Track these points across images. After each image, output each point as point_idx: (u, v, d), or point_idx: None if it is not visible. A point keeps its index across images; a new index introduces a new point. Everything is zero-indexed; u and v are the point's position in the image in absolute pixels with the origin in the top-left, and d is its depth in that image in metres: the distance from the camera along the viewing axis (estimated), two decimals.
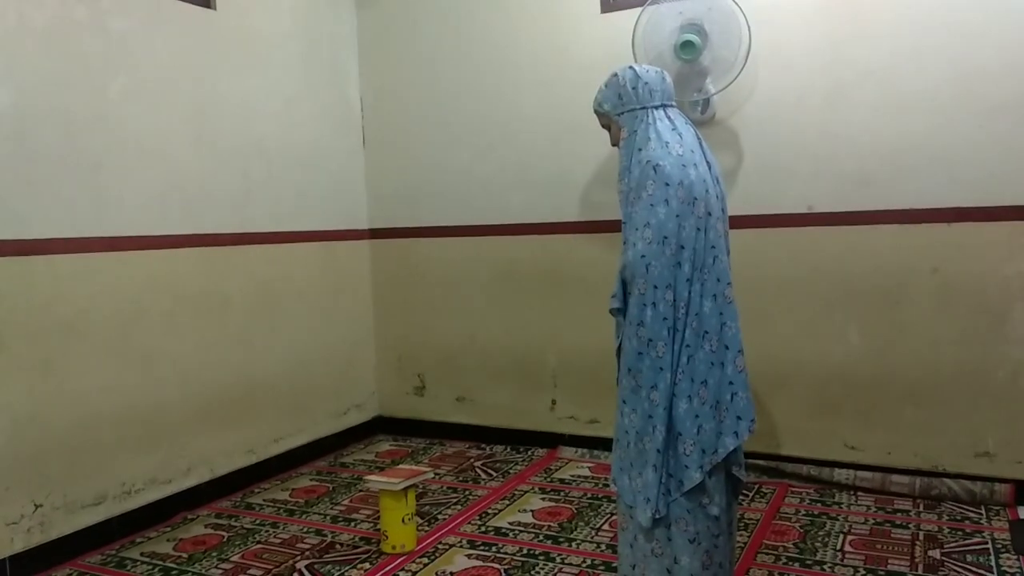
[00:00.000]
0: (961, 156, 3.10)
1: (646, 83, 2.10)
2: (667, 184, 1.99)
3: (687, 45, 3.20)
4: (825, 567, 2.60)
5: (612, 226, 3.73)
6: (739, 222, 3.45)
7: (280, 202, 3.77)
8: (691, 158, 2.05)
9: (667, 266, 1.98)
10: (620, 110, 2.13)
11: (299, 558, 2.79)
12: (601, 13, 3.68)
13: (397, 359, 4.37)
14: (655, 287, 1.99)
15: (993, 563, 2.59)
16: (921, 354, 3.21)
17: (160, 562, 2.81)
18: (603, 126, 2.25)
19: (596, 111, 2.21)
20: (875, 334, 3.28)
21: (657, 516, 2.01)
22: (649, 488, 2.01)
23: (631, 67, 2.15)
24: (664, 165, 2.00)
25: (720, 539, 2.08)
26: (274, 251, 3.73)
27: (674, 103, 2.16)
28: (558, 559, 2.72)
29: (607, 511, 3.13)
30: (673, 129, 2.08)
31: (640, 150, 2.06)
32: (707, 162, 2.11)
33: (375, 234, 4.35)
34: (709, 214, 2.04)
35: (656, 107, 2.10)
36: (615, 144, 2.18)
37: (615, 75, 2.15)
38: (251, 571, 2.71)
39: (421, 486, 3.33)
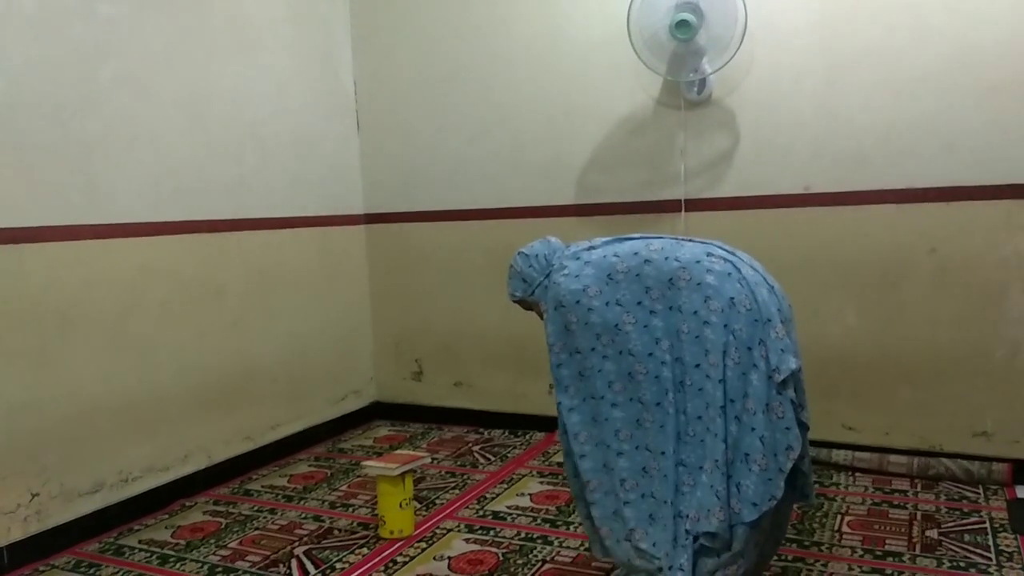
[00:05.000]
0: (959, 135, 3.08)
1: (536, 256, 2.27)
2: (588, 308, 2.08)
3: (682, 24, 3.16)
4: (823, 548, 2.60)
5: (609, 209, 3.73)
6: (736, 203, 3.47)
7: (274, 188, 3.74)
8: (586, 267, 2.14)
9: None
10: (532, 289, 2.29)
11: (297, 544, 2.80)
12: None
13: (394, 344, 4.36)
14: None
15: (991, 542, 2.60)
16: (919, 334, 3.21)
17: (158, 549, 2.81)
18: (527, 310, 2.40)
19: (515, 301, 2.37)
20: (873, 315, 3.28)
21: None
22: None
23: (517, 253, 2.31)
24: (577, 293, 2.10)
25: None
26: (269, 237, 3.71)
27: (563, 252, 2.25)
28: (556, 542, 2.72)
29: None
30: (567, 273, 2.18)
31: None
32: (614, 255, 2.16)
33: (371, 219, 4.33)
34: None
35: (555, 270, 2.22)
36: (542, 317, 2.28)
37: (510, 266, 2.32)
38: (249, 557, 2.71)
39: (419, 471, 3.33)
